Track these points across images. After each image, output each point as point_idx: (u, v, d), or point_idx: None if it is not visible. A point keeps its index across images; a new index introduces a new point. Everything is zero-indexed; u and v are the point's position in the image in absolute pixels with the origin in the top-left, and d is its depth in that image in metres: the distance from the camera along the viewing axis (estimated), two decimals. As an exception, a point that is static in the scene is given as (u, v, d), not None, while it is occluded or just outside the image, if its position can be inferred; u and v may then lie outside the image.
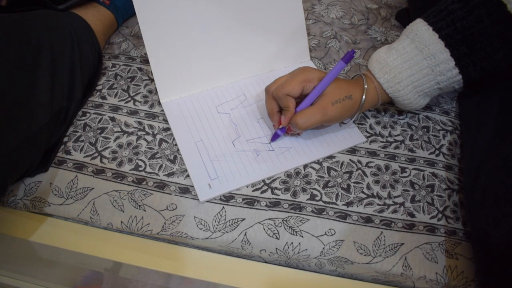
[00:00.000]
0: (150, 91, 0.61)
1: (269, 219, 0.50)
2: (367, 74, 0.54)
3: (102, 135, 0.55)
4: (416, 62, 0.50)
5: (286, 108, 0.52)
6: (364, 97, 0.52)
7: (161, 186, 0.51)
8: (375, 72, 0.52)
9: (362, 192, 0.52)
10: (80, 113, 0.57)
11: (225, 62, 0.62)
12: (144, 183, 0.51)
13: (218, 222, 0.49)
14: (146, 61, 0.64)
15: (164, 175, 0.52)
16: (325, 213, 0.50)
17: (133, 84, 0.61)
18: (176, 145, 0.55)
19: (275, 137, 0.55)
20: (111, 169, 0.52)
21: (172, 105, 0.59)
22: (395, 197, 0.52)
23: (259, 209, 0.50)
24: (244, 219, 0.49)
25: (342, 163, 0.54)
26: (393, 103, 0.56)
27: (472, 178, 0.49)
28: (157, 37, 0.57)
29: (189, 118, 0.57)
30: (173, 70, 0.59)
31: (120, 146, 0.54)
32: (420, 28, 0.50)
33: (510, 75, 0.54)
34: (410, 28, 0.51)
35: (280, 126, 0.54)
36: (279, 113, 0.54)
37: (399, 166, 0.55)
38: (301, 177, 0.53)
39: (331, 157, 0.55)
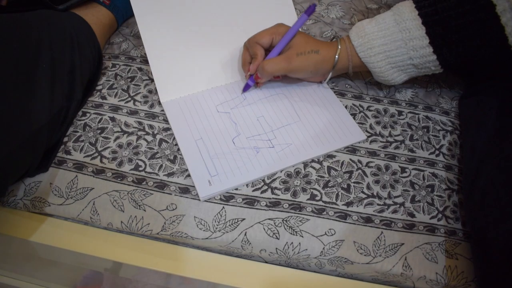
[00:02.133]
0: (150, 91, 0.61)
1: (269, 219, 0.50)
2: (344, 38, 0.57)
3: (102, 135, 0.55)
4: (391, 32, 0.52)
5: (254, 56, 0.57)
6: (337, 56, 0.56)
7: (161, 186, 0.51)
8: (352, 35, 0.56)
9: (362, 192, 0.52)
10: (80, 113, 0.57)
11: (225, 62, 0.62)
12: (144, 183, 0.51)
13: (218, 222, 0.49)
14: (146, 61, 0.64)
15: (164, 175, 0.52)
16: (325, 213, 0.50)
17: (133, 84, 0.61)
18: (176, 145, 0.55)
19: (246, 88, 0.60)
20: (111, 169, 0.52)
21: (172, 105, 0.59)
22: (395, 197, 0.52)
23: (259, 209, 0.50)
24: (244, 219, 0.49)
25: (342, 163, 0.54)
26: (374, 79, 0.58)
27: (472, 178, 0.49)
28: (156, 37, 0.57)
29: (189, 117, 0.57)
30: (172, 70, 0.59)
31: (120, 146, 0.54)
32: (404, 5, 0.52)
33: (509, 75, 0.54)
34: (396, 4, 0.54)
35: (249, 73, 0.58)
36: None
37: (399, 166, 0.55)
38: (301, 177, 0.53)
39: (331, 156, 0.55)
